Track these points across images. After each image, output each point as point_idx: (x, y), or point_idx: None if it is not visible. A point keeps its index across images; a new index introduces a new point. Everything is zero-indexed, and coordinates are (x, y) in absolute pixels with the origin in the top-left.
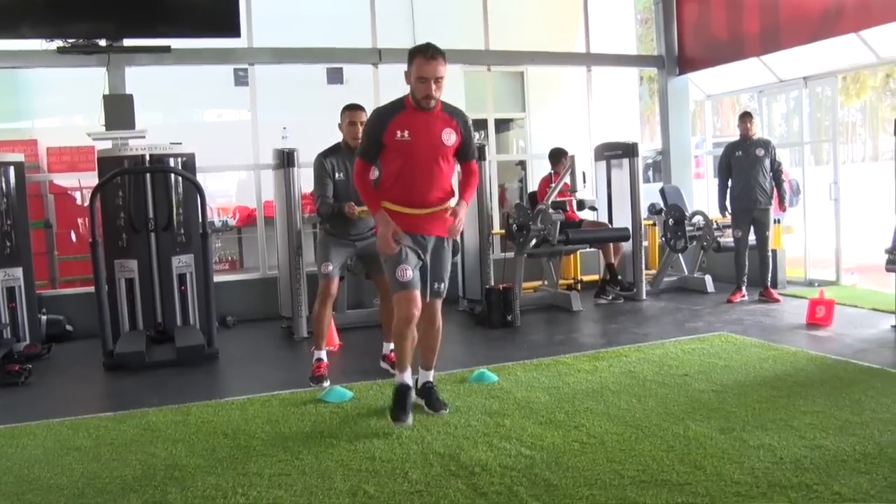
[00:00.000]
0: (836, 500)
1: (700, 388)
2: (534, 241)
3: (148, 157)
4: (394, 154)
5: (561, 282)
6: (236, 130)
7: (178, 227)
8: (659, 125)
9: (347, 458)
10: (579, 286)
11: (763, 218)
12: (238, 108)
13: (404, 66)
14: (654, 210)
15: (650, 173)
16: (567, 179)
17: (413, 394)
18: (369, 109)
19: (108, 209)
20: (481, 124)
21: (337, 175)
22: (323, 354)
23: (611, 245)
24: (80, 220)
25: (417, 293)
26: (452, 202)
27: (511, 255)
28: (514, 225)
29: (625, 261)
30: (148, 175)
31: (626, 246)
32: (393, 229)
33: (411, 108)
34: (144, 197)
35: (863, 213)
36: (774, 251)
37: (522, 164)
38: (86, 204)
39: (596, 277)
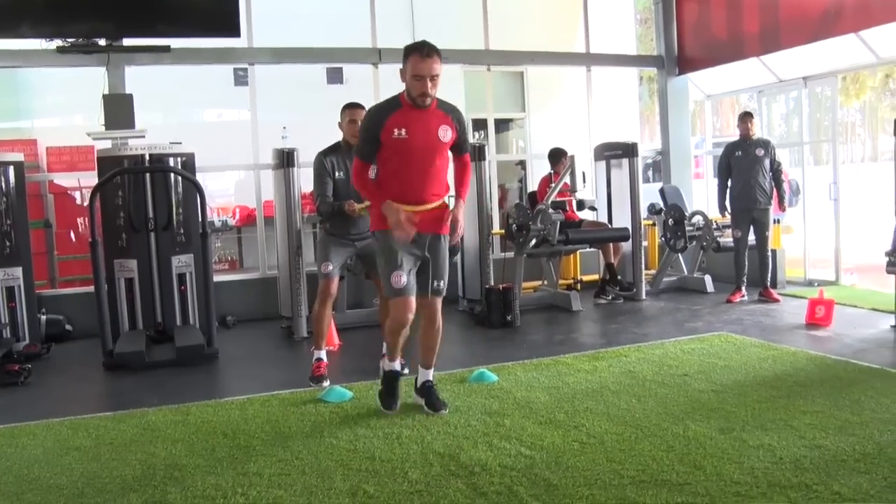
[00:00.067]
0: (836, 500)
1: (700, 388)
2: (533, 241)
3: (148, 157)
4: (391, 152)
5: (561, 282)
6: (236, 130)
7: (178, 226)
8: (658, 125)
9: (347, 458)
10: (579, 286)
11: (763, 218)
12: (238, 108)
13: None
14: (653, 210)
15: (650, 173)
16: (567, 179)
17: (400, 382)
18: None
19: (108, 209)
20: (481, 124)
21: (337, 174)
22: (323, 354)
23: (610, 245)
24: (79, 220)
25: (412, 299)
26: (449, 201)
27: (511, 254)
28: (514, 225)
29: (624, 261)
30: (148, 175)
31: (626, 246)
32: (405, 214)
33: (407, 106)
34: (144, 197)
35: (862, 214)
36: (774, 251)
37: (522, 164)
38: (85, 203)
39: (596, 277)
